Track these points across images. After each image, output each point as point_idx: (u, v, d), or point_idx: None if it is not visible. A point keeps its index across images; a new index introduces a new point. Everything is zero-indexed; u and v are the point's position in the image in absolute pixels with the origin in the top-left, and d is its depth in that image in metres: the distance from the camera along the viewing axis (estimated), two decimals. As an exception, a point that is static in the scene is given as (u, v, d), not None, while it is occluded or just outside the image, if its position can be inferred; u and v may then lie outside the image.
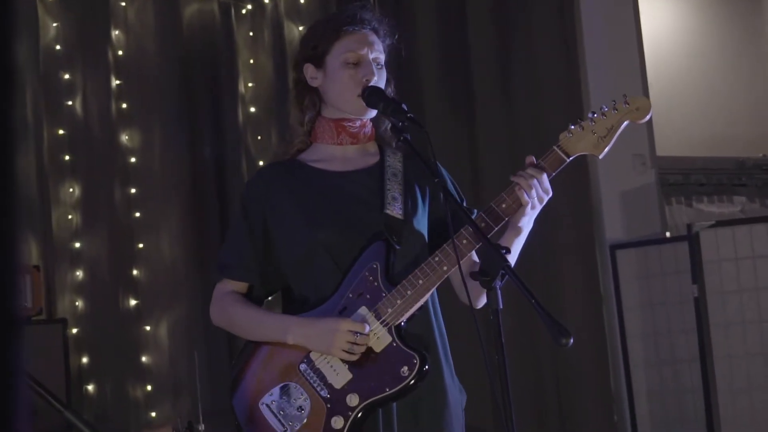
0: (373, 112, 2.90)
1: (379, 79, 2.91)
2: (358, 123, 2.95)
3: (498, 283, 2.45)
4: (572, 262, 5.86)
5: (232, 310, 2.91)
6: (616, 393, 5.89)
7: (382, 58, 2.95)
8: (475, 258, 2.80)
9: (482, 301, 2.74)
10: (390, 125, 2.89)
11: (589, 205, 5.96)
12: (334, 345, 2.70)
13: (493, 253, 2.49)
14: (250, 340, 2.91)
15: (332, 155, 2.96)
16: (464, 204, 2.96)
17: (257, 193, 2.95)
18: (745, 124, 7.24)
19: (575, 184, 5.90)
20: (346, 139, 2.95)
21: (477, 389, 5.41)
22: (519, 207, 2.78)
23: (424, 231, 2.90)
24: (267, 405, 2.80)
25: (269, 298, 3.03)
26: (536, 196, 2.76)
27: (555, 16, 6.06)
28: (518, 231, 2.83)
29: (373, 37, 2.94)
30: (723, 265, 5.59)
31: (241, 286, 2.94)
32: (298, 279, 2.88)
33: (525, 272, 5.64)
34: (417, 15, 5.94)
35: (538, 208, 2.81)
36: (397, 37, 3.03)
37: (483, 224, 2.74)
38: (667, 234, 6.26)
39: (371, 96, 2.83)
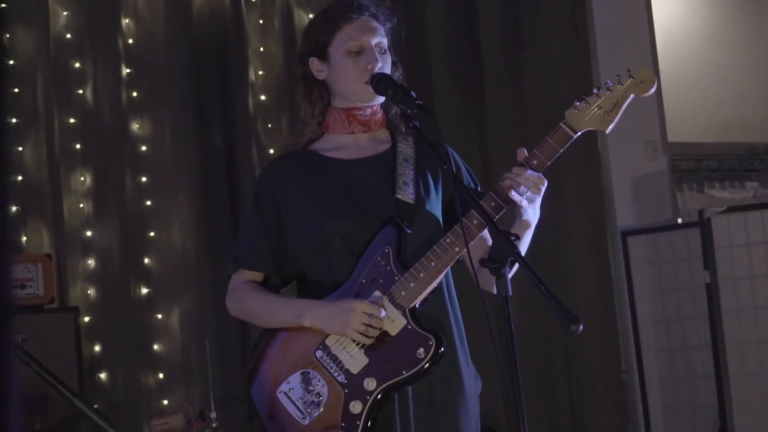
0: (382, 98, 2.90)
1: (384, 64, 2.91)
2: (368, 111, 2.96)
3: (507, 270, 2.45)
4: (584, 249, 5.85)
5: (246, 298, 2.91)
6: (627, 379, 5.89)
7: (384, 42, 2.95)
8: (489, 240, 2.80)
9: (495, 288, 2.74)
10: (399, 111, 2.91)
11: (600, 192, 5.95)
12: (349, 325, 2.71)
13: (503, 239, 2.48)
14: (265, 330, 2.93)
15: (344, 144, 2.98)
16: (478, 189, 2.97)
17: (269, 184, 2.96)
18: (757, 109, 7.22)
19: (587, 171, 5.89)
20: (358, 128, 2.96)
21: (489, 375, 5.42)
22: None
23: (438, 214, 2.90)
24: (285, 393, 2.81)
25: (284, 287, 3.03)
26: (528, 191, 2.74)
27: (566, 5, 6.04)
28: (526, 224, 2.82)
29: (374, 23, 2.94)
30: (735, 251, 5.58)
31: (256, 276, 2.94)
32: (312, 266, 2.89)
33: (536, 259, 5.65)
34: (427, 1, 5.93)
35: (537, 199, 2.79)
36: (396, 19, 3.03)
37: (492, 203, 2.74)
38: (679, 220, 6.25)
39: (379, 83, 2.83)
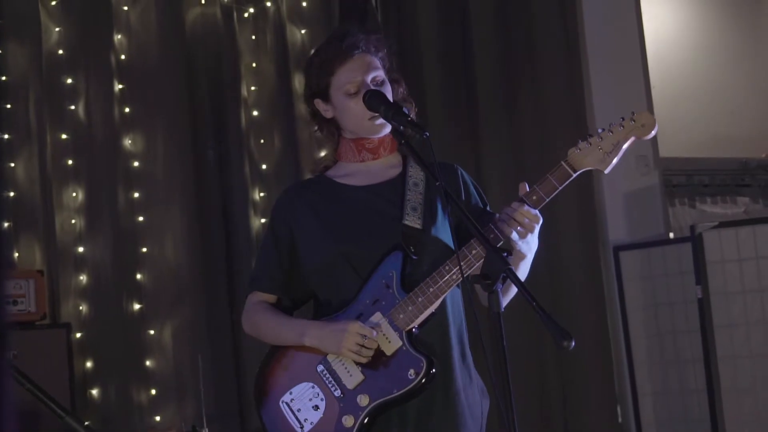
0: (389, 128, 2.98)
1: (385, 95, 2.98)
2: (376, 139, 3.05)
3: (499, 286, 2.48)
4: (576, 264, 5.86)
5: (257, 317, 3.07)
6: (620, 393, 5.89)
7: (381, 74, 3.02)
8: None
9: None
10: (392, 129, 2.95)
11: (592, 207, 5.96)
12: (343, 345, 2.84)
13: (495, 256, 2.51)
14: (272, 347, 3.05)
15: (356, 170, 3.09)
16: (487, 208, 3.08)
17: (283, 209, 3.09)
18: (749, 124, 7.24)
19: (579, 186, 5.89)
20: (367, 156, 3.07)
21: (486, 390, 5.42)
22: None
23: (446, 238, 2.98)
24: (286, 403, 2.95)
25: (299, 308, 3.16)
26: (524, 228, 2.83)
27: (557, 17, 6.06)
28: (520, 255, 2.91)
29: (367, 58, 3.02)
30: (726, 266, 5.58)
31: (269, 297, 3.10)
32: (321, 287, 3.02)
33: (529, 274, 5.69)
34: (420, 19, 5.94)
35: (530, 236, 2.87)
36: (391, 46, 3.12)
37: (492, 235, 2.80)
38: (671, 235, 6.26)
39: (371, 99, 2.90)
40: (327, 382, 2.91)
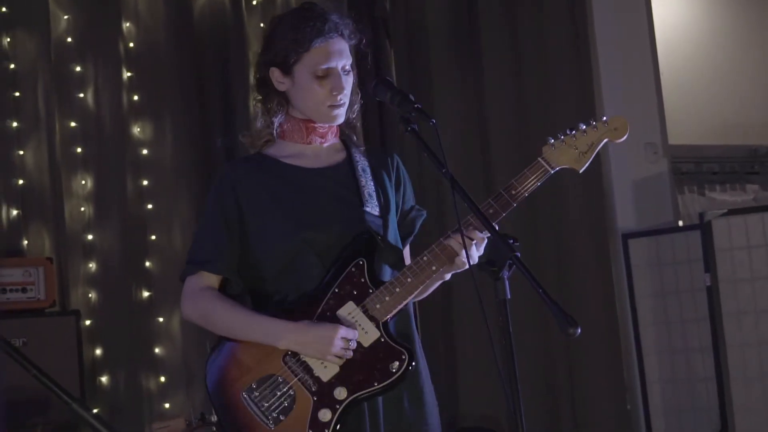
0: (342, 119, 2.96)
1: (347, 86, 2.95)
2: (326, 125, 3.00)
3: (506, 273, 2.47)
4: (585, 251, 5.85)
5: (213, 307, 2.89)
6: (628, 381, 5.89)
7: (349, 62, 2.97)
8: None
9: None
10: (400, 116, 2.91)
11: (601, 195, 5.95)
12: (329, 352, 2.76)
13: (501, 242, 2.50)
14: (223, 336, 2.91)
15: (301, 152, 3.00)
16: (415, 206, 3.08)
17: (231, 186, 2.94)
18: (758, 111, 7.21)
19: (587, 174, 5.85)
20: (316, 139, 3.00)
21: (490, 378, 5.42)
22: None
23: (396, 228, 2.99)
24: (249, 397, 2.81)
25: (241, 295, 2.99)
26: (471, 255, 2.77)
27: (566, 8, 6.04)
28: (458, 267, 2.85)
29: (341, 44, 2.95)
30: (735, 254, 5.58)
31: (216, 279, 2.93)
32: (278, 275, 2.89)
33: (537, 262, 5.69)
34: (428, 27, 5.93)
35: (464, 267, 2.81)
36: (361, 37, 3.04)
37: (491, 210, 2.81)
38: (680, 223, 6.26)
39: (378, 86, 2.83)
40: (296, 374, 2.79)
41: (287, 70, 2.96)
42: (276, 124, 3.01)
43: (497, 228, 2.61)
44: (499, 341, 2.46)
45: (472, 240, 2.76)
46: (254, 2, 5.65)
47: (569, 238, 5.85)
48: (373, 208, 2.90)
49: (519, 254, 2.48)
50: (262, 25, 5.63)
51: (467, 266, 2.74)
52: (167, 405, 5.11)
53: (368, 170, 2.98)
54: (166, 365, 5.16)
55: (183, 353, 5.18)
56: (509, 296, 2.47)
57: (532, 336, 5.62)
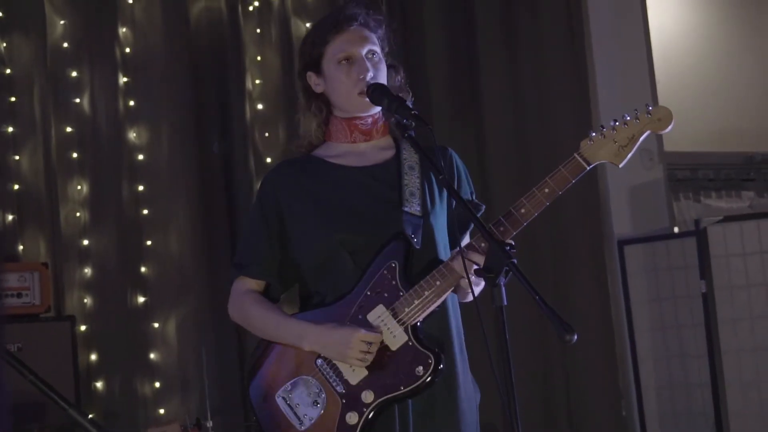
0: (378, 108, 2.92)
1: (378, 72, 2.93)
2: (369, 120, 2.97)
3: (502, 280, 2.46)
4: (580, 258, 5.86)
5: (251, 310, 2.95)
6: (624, 387, 5.89)
7: (377, 50, 2.96)
8: None
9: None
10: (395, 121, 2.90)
11: (597, 201, 5.96)
12: (348, 355, 2.76)
13: (498, 249, 2.49)
14: (264, 339, 2.96)
15: (348, 151, 2.99)
16: (473, 197, 3.01)
17: (273, 189, 2.98)
18: (754, 118, 7.23)
19: (583, 180, 5.83)
20: (359, 137, 2.98)
21: (487, 384, 5.42)
22: (536, 212, 2.84)
23: (443, 227, 2.93)
24: (283, 397, 2.85)
25: (287, 290, 3.06)
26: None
27: (562, 13, 6.05)
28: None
29: (364, 32, 2.95)
30: (731, 261, 5.59)
31: (259, 283, 2.98)
32: (315, 276, 2.92)
33: (533, 268, 5.68)
34: (425, 21, 5.92)
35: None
36: (387, 26, 3.03)
37: (501, 228, 2.75)
38: (675, 229, 6.26)
39: (374, 92, 2.84)
40: (327, 376, 2.82)
41: (318, 69, 2.97)
42: (316, 124, 3.01)
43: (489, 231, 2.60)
44: (495, 348, 2.46)
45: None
46: (251, 8, 5.65)
47: (565, 245, 5.86)
48: (412, 207, 2.86)
49: (515, 261, 2.47)
50: (258, 30, 5.63)
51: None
52: (162, 410, 5.10)
53: (417, 168, 2.94)
54: (161, 370, 5.15)
55: (178, 358, 5.17)
56: (506, 303, 2.46)
57: (529, 342, 5.63)
